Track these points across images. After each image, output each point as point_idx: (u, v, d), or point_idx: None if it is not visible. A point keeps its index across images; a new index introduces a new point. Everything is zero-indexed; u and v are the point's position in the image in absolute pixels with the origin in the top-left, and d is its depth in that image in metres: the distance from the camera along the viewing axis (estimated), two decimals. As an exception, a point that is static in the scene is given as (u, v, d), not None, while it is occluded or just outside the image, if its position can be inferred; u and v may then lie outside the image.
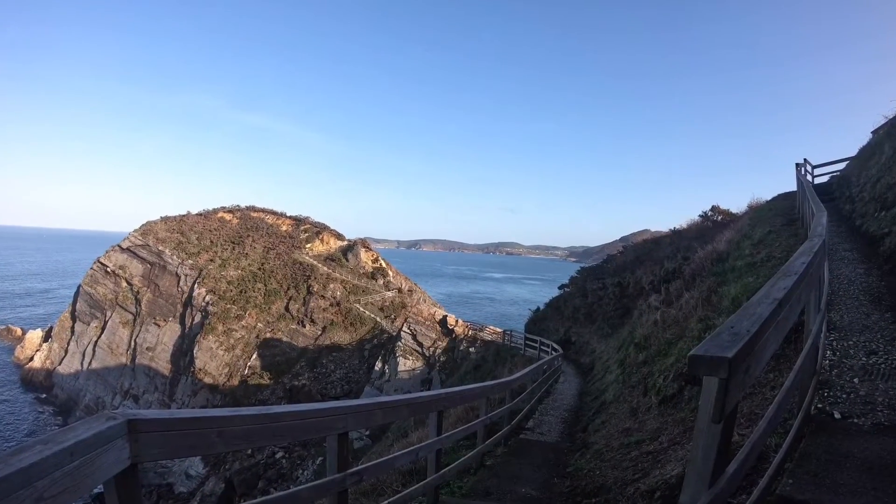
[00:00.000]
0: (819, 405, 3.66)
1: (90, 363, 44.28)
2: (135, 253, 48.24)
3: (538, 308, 34.15)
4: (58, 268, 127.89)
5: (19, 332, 56.99)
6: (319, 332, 42.24)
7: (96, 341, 45.05)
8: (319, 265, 47.88)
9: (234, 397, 37.11)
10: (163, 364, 42.21)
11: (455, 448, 7.48)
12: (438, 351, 35.38)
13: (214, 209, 57.38)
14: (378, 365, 36.20)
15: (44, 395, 44.14)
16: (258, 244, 49.95)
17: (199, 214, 55.55)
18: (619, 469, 5.47)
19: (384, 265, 51.66)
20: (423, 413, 4.93)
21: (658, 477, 4.50)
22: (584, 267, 36.18)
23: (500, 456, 7.37)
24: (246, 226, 53.47)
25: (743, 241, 12.77)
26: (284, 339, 41.88)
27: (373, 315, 43.88)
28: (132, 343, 43.86)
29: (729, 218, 22.94)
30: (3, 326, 60.43)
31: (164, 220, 52.81)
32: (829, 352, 4.60)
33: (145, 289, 46.18)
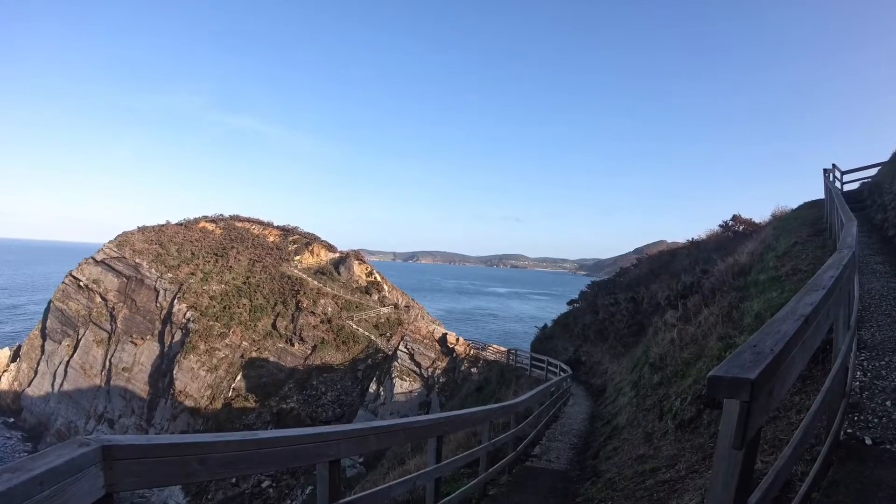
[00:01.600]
0: (849, 430, 3.65)
1: (62, 385, 44.02)
2: (110, 266, 48.22)
3: (545, 325, 34.22)
4: (27, 282, 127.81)
5: (-15, 351, 56.78)
6: (309, 352, 42.07)
7: (68, 361, 44.83)
8: (309, 279, 47.87)
9: (217, 421, 36.85)
10: (140, 386, 41.97)
11: (455, 476, 7.43)
12: (438, 371, 35.24)
13: (196, 219, 57.54)
14: (372, 386, 36.05)
15: (11, 420, 43.81)
16: (243, 256, 49.97)
17: (180, 224, 55.70)
18: (633, 499, 5.43)
19: (379, 279, 51.66)
20: (422, 438, 4.90)
21: (676, 509, 4.46)
22: (594, 281, 36.26)
23: (504, 485, 7.32)
24: (230, 236, 53.55)
25: (766, 252, 12.78)
26: (271, 358, 41.69)
27: (367, 333, 43.75)
28: (107, 363, 43.65)
29: (751, 228, 23.00)
30: (-32, 345, 60.15)
31: (142, 230, 52.90)
32: (859, 372, 4.58)
33: (121, 304, 46.10)
